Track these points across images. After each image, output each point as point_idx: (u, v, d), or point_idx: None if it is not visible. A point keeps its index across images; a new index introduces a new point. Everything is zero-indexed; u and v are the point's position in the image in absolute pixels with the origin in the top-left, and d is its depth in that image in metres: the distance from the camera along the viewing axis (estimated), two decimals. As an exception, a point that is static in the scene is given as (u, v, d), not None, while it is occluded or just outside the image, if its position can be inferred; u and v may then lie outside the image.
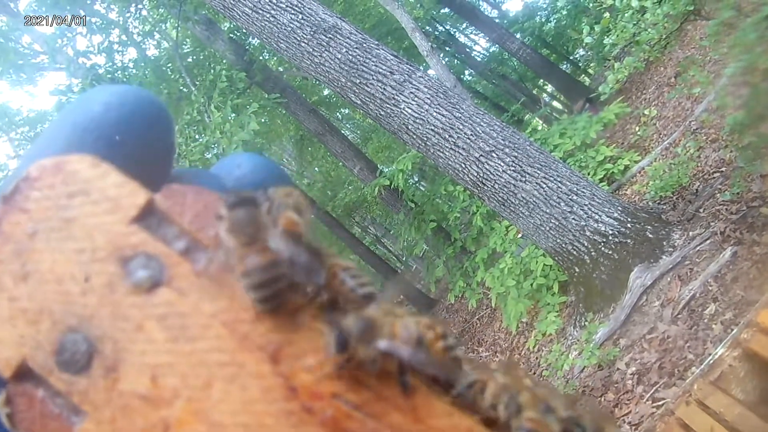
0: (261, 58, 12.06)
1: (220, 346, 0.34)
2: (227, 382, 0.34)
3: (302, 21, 5.08)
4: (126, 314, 0.35)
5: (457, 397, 0.35)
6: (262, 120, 11.20)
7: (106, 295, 0.35)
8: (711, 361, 2.12)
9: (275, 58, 13.48)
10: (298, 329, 0.34)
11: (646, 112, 8.24)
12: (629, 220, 4.99)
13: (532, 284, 6.40)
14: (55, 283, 0.36)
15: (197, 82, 9.49)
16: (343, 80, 5.17)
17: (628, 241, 4.89)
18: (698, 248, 4.41)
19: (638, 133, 8.14)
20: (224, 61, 10.40)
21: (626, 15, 4.11)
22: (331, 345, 0.33)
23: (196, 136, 8.38)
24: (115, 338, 0.35)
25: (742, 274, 3.84)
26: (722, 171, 5.12)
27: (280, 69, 13.25)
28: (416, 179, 11.37)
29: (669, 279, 4.49)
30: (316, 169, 18.29)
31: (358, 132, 21.02)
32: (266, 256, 0.34)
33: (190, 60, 11.53)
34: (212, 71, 9.25)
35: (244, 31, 11.41)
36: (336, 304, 0.36)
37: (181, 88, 9.56)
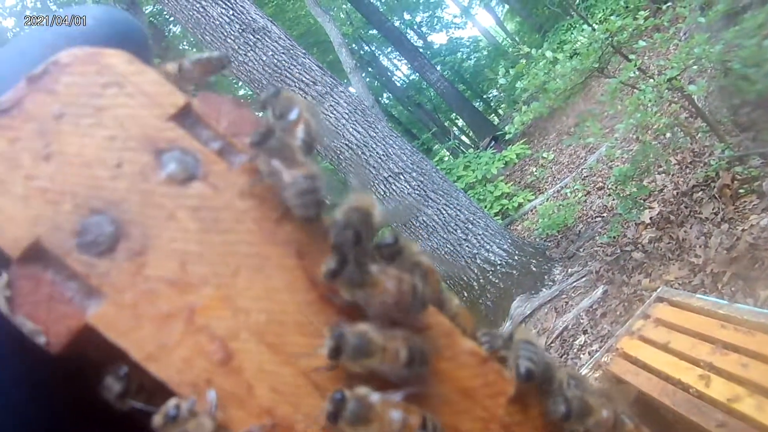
0: (179, 47, 11.73)
1: (250, 240, 0.37)
2: (254, 271, 0.36)
3: (232, 17, 5.07)
4: (158, 202, 0.36)
5: None
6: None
7: (137, 182, 0.36)
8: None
9: (194, 50, 13.11)
10: (323, 229, 0.38)
11: (545, 155, 8.84)
12: (517, 252, 5.34)
13: (423, 304, 6.60)
14: (82, 166, 0.36)
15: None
16: (265, 83, 5.19)
17: (514, 272, 5.24)
18: (575, 284, 4.81)
19: (535, 174, 8.71)
20: (140, 45, 9.98)
21: (540, 64, 4.43)
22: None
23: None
24: (144, 224, 0.36)
25: (611, 311, 4.22)
26: (603, 216, 5.61)
27: (199, 62, 12.89)
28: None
29: (546, 310, 4.84)
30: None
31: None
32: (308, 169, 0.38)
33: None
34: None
35: (166, 16, 11.10)
36: None
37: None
